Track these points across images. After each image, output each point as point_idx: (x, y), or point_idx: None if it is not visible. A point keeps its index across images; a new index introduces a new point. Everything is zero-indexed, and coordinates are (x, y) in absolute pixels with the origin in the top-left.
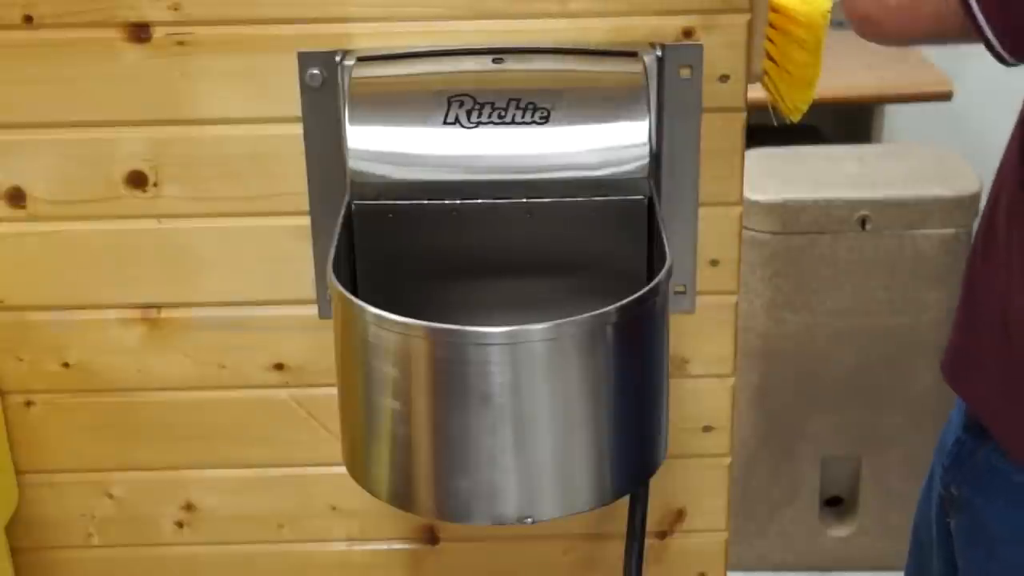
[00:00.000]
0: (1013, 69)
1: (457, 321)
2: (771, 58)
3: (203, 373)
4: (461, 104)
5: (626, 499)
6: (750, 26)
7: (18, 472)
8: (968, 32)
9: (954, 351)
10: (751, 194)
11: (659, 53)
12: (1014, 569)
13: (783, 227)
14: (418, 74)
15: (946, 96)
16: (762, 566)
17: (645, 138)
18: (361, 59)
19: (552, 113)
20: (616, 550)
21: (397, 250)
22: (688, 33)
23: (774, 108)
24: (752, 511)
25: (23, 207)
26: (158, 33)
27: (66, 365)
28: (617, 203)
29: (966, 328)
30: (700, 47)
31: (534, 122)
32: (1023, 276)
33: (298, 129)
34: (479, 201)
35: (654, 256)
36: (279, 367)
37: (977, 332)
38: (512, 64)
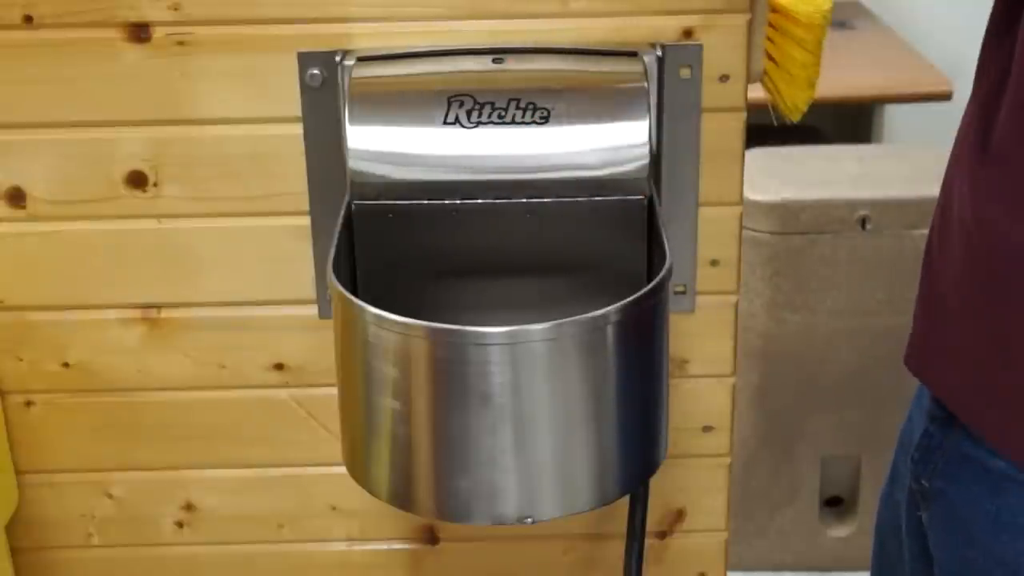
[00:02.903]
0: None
1: (457, 321)
2: (771, 58)
3: (203, 373)
4: (461, 104)
5: (626, 499)
6: (750, 26)
7: (18, 472)
8: None
9: (918, 342)
10: (751, 194)
11: (659, 53)
12: (993, 555)
13: (783, 227)
14: (418, 74)
15: (946, 96)
16: (762, 566)
17: (645, 138)
18: (361, 59)
19: (552, 113)
20: (616, 550)
21: (397, 250)
22: (688, 33)
23: (774, 108)
24: (752, 511)
25: (23, 207)
26: (158, 33)
27: (66, 365)
28: (617, 203)
29: (927, 318)
30: (700, 47)
31: (534, 122)
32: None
33: (298, 129)
34: (479, 201)
35: (654, 256)
36: (279, 367)
37: (939, 320)
38: (512, 64)
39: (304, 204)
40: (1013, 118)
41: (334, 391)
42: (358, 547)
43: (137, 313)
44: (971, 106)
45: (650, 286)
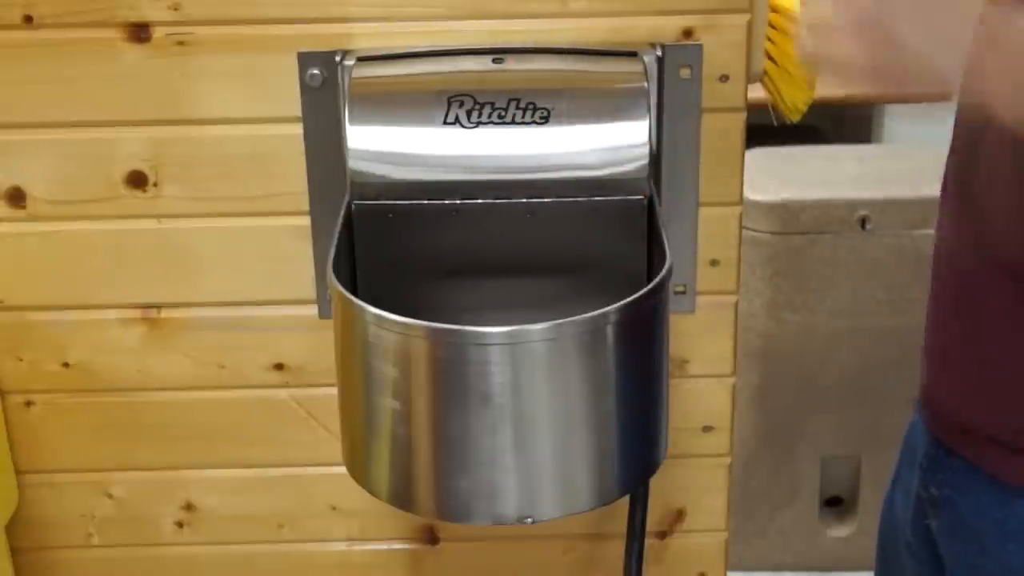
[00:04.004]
0: None
1: (457, 321)
2: (771, 58)
3: (203, 373)
4: (461, 104)
5: (626, 499)
6: (750, 26)
7: (18, 472)
8: None
9: (921, 380)
10: (751, 194)
11: (659, 53)
12: (1001, 563)
13: (783, 227)
14: (418, 74)
15: (946, 96)
16: (762, 566)
17: (645, 138)
18: (361, 59)
19: (552, 113)
20: (616, 550)
21: (397, 250)
22: (688, 33)
23: (774, 108)
24: (752, 511)
25: (23, 207)
26: (158, 33)
27: (66, 365)
28: (617, 203)
29: (928, 356)
30: (700, 47)
31: (534, 122)
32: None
33: (298, 129)
34: (479, 201)
35: (654, 256)
36: (279, 367)
37: (937, 361)
38: (512, 64)
39: (304, 204)
40: (990, 174)
41: (334, 391)
42: (358, 547)
43: (137, 313)
44: (951, 154)
45: (650, 286)
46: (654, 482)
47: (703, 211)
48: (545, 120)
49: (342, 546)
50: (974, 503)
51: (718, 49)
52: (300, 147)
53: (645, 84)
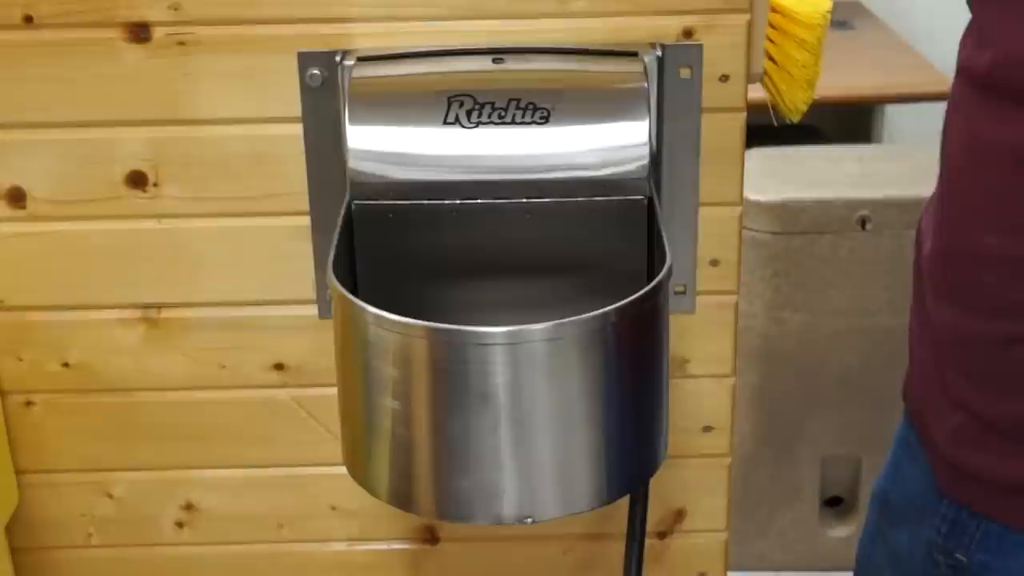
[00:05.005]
0: None
1: (457, 321)
2: (771, 58)
3: (203, 373)
4: (461, 104)
5: (626, 499)
6: (750, 26)
7: (18, 472)
8: None
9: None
10: (751, 194)
11: (659, 53)
12: None
13: (783, 227)
14: (418, 74)
15: (946, 96)
16: (762, 566)
17: (645, 138)
18: (361, 59)
19: (552, 113)
20: (616, 550)
21: (397, 250)
22: (688, 33)
23: (774, 108)
24: (752, 511)
25: (23, 207)
26: (158, 33)
27: (66, 365)
28: (617, 203)
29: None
30: (700, 47)
31: (534, 122)
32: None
33: (298, 129)
34: (479, 201)
35: (654, 256)
36: (279, 367)
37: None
38: (512, 64)
39: (304, 204)
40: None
41: (334, 391)
42: (358, 547)
43: (137, 313)
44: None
45: (650, 286)
46: (654, 482)
47: (703, 211)
48: (545, 120)
49: (342, 546)
50: (1013, 562)
51: (718, 49)
52: (300, 147)
53: (645, 84)
